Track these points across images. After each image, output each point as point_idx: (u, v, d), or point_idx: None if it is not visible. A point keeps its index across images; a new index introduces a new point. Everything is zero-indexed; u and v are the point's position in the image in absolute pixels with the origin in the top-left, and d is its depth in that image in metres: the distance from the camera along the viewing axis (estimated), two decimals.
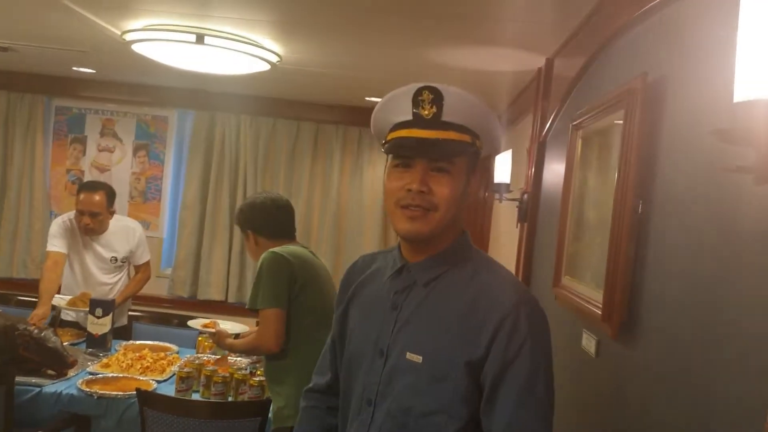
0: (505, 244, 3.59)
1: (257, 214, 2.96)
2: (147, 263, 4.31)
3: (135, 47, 3.28)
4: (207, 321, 3.45)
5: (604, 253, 1.82)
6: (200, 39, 3.07)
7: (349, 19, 2.87)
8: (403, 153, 1.39)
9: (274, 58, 3.46)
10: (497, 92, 3.91)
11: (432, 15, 2.65)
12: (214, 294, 5.46)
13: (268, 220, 2.96)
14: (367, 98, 4.81)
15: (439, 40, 3.01)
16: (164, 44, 3.19)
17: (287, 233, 3.00)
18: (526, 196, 3.07)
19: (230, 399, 3.22)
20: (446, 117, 1.34)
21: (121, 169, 5.63)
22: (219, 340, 3.06)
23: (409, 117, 1.37)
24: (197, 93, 5.34)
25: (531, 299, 1.37)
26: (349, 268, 1.68)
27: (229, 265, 5.46)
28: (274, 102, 5.37)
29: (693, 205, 1.40)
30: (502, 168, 3.18)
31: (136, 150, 5.61)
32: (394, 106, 1.42)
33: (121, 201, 5.56)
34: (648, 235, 1.60)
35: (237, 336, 3.20)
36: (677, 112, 1.52)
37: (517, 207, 3.16)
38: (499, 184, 3.20)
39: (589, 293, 1.92)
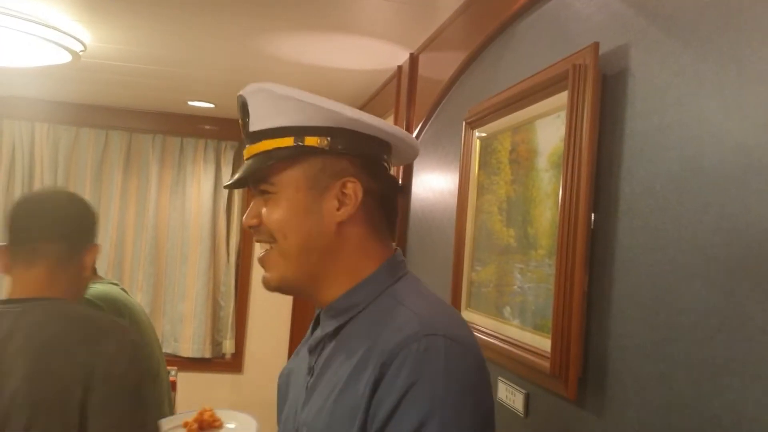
0: None
1: None
2: None
3: None
4: None
5: (533, 281, 1.41)
6: None
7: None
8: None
9: (77, 46, 2.76)
10: (350, 94, 3.45)
11: None
12: None
13: None
14: (190, 102, 4.16)
15: (277, 26, 2.49)
16: None
17: None
18: None
19: None
20: (256, 125, 1.05)
21: None
22: None
23: None
24: None
25: (433, 332, 0.93)
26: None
27: None
28: (76, 108, 4.52)
29: (679, 218, 1.02)
30: None
31: None
32: None
33: None
34: (610, 259, 1.20)
35: None
36: (649, 93, 1.14)
37: None
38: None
39: (513, 333, 1.49)
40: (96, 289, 2.15)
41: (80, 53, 2.81)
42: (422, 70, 2.56)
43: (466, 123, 1.86)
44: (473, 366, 0.93)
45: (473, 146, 1.82)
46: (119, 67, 3.29)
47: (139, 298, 4.50)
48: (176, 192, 4.72)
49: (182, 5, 2.36)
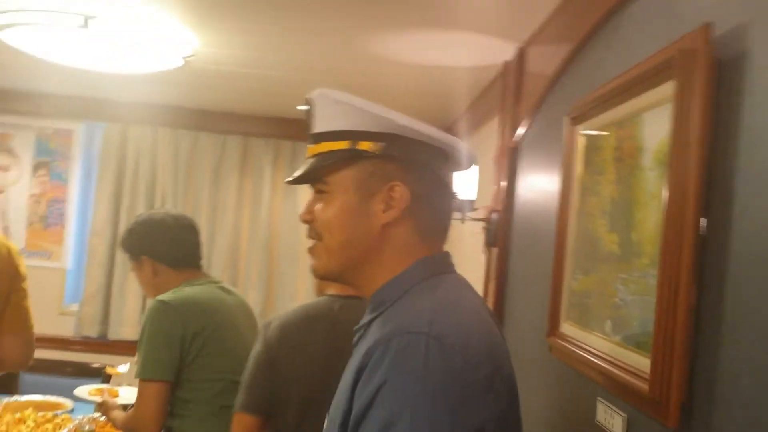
0: (468, 274, 2.94)
1: (156, 235, 2.29)
2: None
3: (3, 36, 2.60)
4: (98, 387, 2.80)
5: (636, 294, 1.26)
6: (86, 22, 2.42)
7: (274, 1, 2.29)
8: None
9: (186, 51, 2.83)
10: (455, 93, 3.35)
11: None
12: (127, 333, 4.70)
13: (171, 242, 2.29)
14: (298, 107, 4.18)
15: (381, 24, 2.44)
16: (41, 31, 2.52)
17: (193, 261, 2.35)
18: (495, 215, 2.52)
19: None
20: (318, 127, 1.11)
21: (17, 190, 4.84)
22: (105, 413, 2.39)
23: None
24: (106, 103, 4.61)
25: (417, 329, 0.93)
26: None
27: (144, 299, 4.73)
28: (195, 113, 4.69)
29: None
30: (464, 182, 2.61)
31: (35, 169, 4.84)
32: None
33: (19, 227, 4.80)
34: (722, 270, 1.04)
35: (131, 407, 2.53)
36: None
37: (483, 228, 2.59)
38: (460, 202, 2.62)
39: (614, 351, 1.35)
40: (187, 292, 2.19)
41: (189, 58, 2.87)
42: (529, 65, 2.43)
43: (569, 119, 1.72)
44: (463, 374, 0.90)
45: (576, 144, 1.68)
46: (229, 72, 3.35)
47: (251, 297, 4.58)
48: (288, 195, 4.79)
49: (286, 8, 2.36)
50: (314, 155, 1.11)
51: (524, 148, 2.39)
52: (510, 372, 1.02)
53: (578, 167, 1.67)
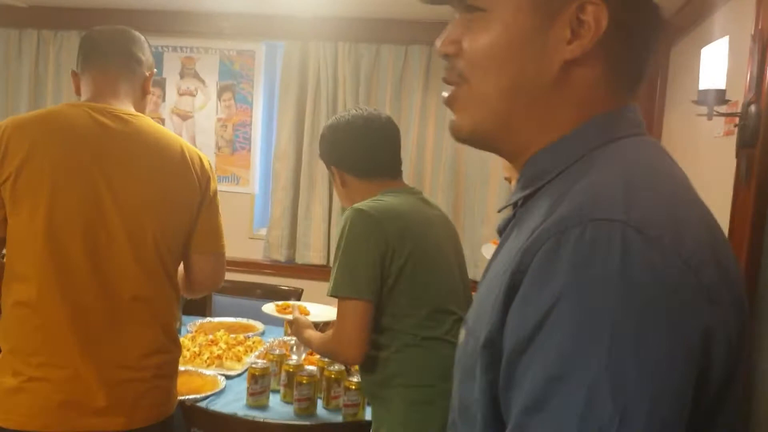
0: (708, 188, 2.38)
1: (341, 142, 2.00)
2: None
3: None
4: (285, 303, 2.65)
5: None
6: None
7: None
8: None
9: None
10: None
11: None
12: (314, 258, 4.64)
13: (358, 148, 1.99)
14: None
15: None
16: None
17: (387, 169, 2.03)
18: (753, 107, 1.98)
19: (320, 405, 2.38)
20: None
21: (205, 115, 4.86)
22: (296, 331, 2.20)
23: None
24: (286, 20, 4.45)
25: (608, 215, 0.61)
26: None
27: (330, 223, 4.61)
28: (375, 23, 4.38)
29: None
30: (711, 66, 2.07)
31: (220, 92, 4.82)
32: None
33: (207, 152, 4.83)
34: None
35: (323, 326, 2.33)
36: None
37: (735, 126, 2.07)
38: (705, 92, 2.09)
39: None
40: (385, 201, 1.91)
41: None
42: None
43: None
44: (679, 282, 0.60)
45: None
46: None
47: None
48: None
49: None
50: None
51: None
52: (738, 275, 0.68)
53: None
